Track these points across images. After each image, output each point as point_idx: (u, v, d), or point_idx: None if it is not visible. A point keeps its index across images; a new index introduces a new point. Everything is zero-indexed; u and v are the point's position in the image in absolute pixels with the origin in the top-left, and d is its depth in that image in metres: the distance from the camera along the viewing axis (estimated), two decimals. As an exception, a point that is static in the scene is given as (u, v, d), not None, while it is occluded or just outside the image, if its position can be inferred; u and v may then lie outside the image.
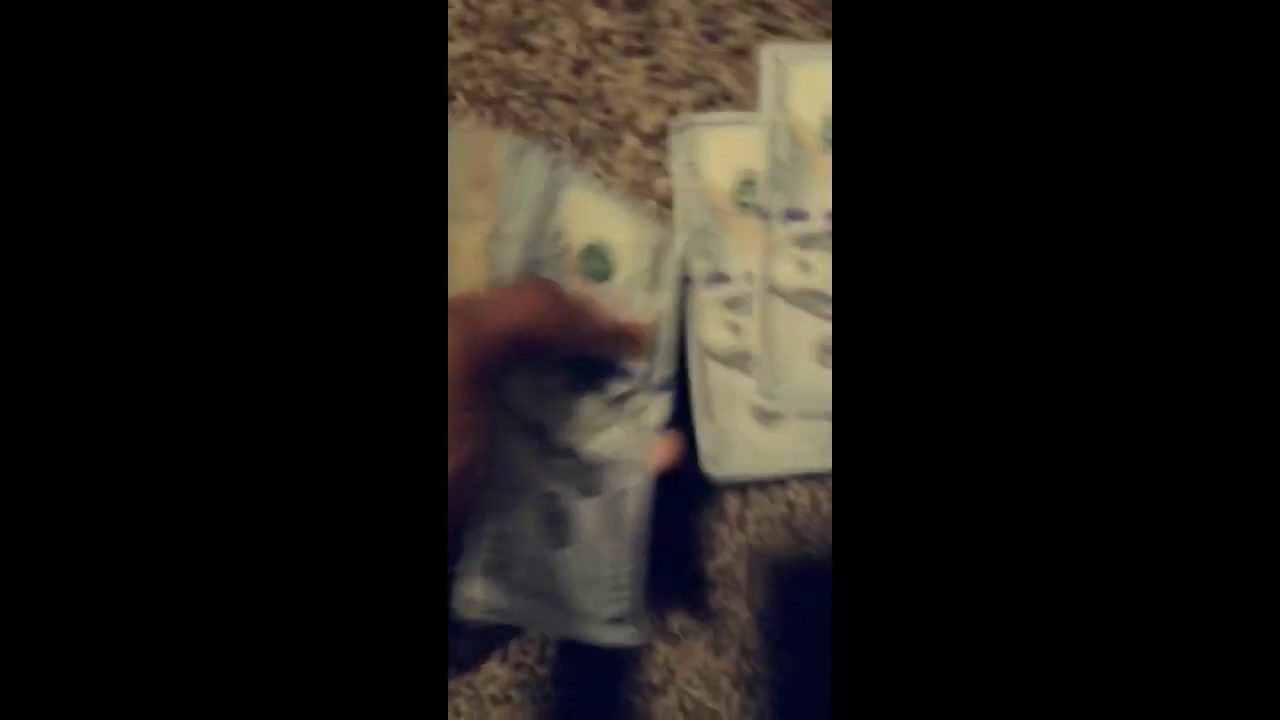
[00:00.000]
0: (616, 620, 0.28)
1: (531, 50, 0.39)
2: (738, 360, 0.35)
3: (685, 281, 0.35)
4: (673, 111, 0.38)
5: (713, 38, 0.38)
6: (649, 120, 0.38)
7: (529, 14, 0.39)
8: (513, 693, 0.34)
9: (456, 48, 0.39)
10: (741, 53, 0.38)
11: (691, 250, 0.35)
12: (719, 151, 0.37)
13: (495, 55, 0.39)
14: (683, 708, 0.34)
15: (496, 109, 0.38)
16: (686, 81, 0.38)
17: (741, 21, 0.38)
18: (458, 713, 0.33)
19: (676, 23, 0.39)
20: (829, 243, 0.35)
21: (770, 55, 0.35)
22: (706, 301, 0.35)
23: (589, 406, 0.31)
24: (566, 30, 0.39)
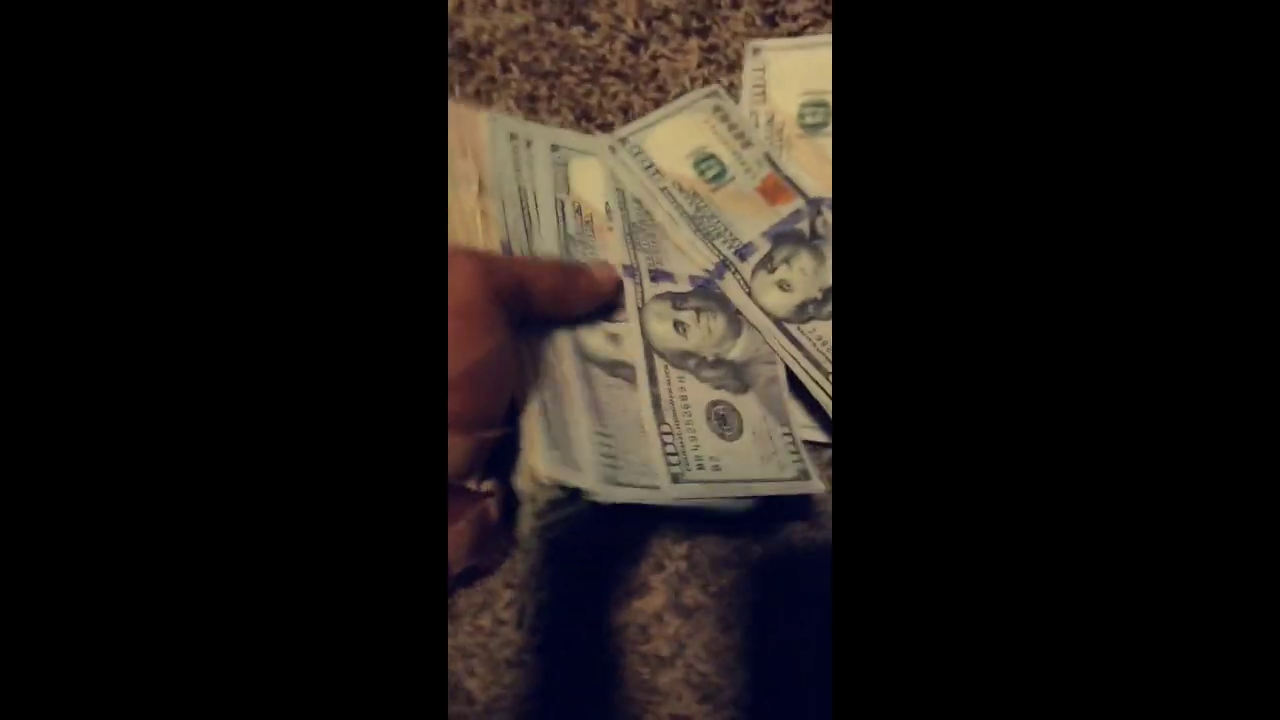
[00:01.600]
0: (802, 475, 0.32)
1: (590, 25, 0.39)
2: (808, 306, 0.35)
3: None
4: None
5: (772, 20, 0.38)
6: (702, 101, 0.38)
7: (589, -11, 0.39)
8: (527, 657, 0.35)
9: (514, 19, 0.39)
10: (799, 37, 0.38)
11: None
12: (787, 75, 0.37)
13: (553, 29, 0.39)
14: (689, 681, 0.35)
15: (551, 83, 0.38)
16: (741, 63, 0.38)
17: (802, 6, 0.38)
18: (472, 673, 0.34)
19: (735, 3, 0.38)
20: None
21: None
22: None
23: (717, 325, 0.34)
24: (626, 7, 0.39)
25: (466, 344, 0.26)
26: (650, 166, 0.36)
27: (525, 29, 0.39)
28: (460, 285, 0.26)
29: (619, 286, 0.33)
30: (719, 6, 0.38)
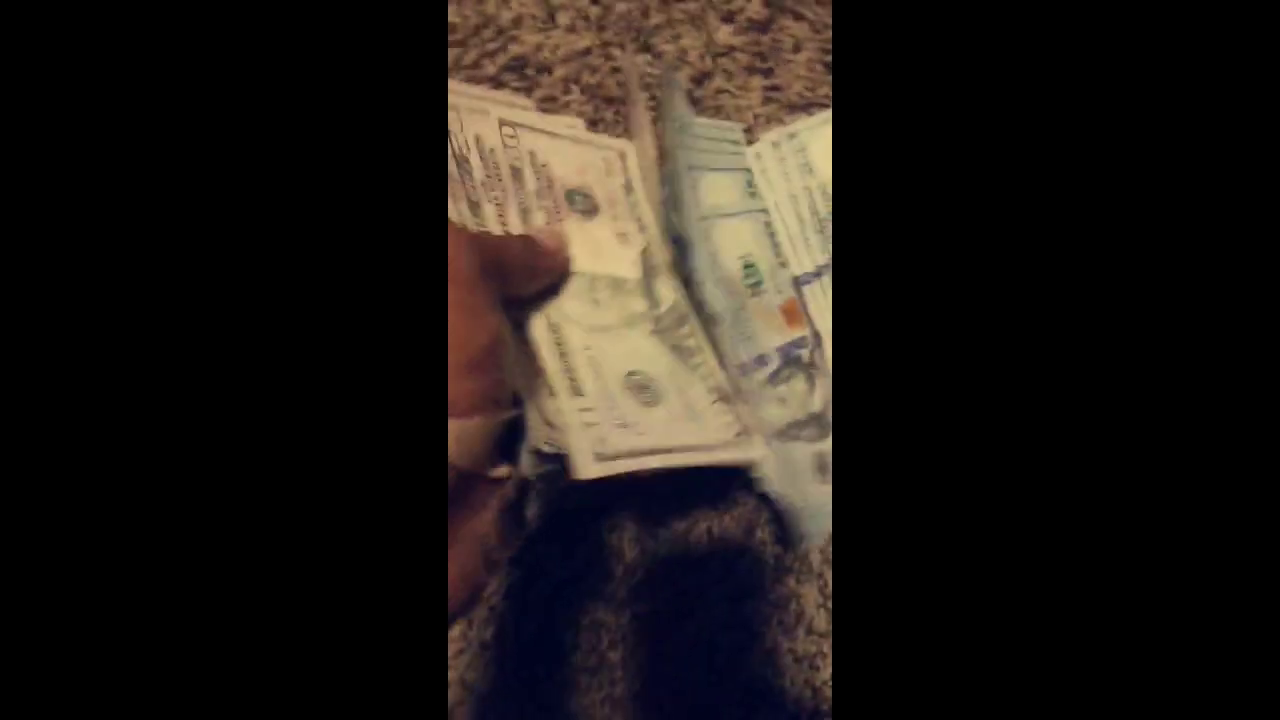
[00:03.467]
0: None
1: (655, 55, 0.39)
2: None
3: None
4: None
5: (829, 67, 0.40)
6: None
7: (656, 19, 0.39)
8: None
9: (578, 41, 0.39)
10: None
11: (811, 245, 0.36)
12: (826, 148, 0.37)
13: (618, 54, 0.39)
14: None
15: (618, 108, 0.38)
16: (802, 105, 0.39)
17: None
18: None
19: (797, 48, 0.40)
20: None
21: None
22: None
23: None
24: (691, 40, 0.39)
25: (477, 320, 0.24)
26: (805, 165, 0.36)
27: (588, 51, 0.39)
28: (460, 261, 0.24)
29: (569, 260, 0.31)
30: (782, 48, 0.39)
